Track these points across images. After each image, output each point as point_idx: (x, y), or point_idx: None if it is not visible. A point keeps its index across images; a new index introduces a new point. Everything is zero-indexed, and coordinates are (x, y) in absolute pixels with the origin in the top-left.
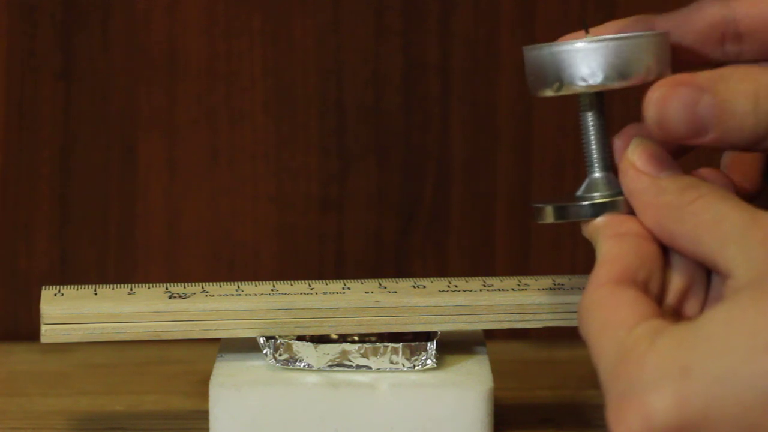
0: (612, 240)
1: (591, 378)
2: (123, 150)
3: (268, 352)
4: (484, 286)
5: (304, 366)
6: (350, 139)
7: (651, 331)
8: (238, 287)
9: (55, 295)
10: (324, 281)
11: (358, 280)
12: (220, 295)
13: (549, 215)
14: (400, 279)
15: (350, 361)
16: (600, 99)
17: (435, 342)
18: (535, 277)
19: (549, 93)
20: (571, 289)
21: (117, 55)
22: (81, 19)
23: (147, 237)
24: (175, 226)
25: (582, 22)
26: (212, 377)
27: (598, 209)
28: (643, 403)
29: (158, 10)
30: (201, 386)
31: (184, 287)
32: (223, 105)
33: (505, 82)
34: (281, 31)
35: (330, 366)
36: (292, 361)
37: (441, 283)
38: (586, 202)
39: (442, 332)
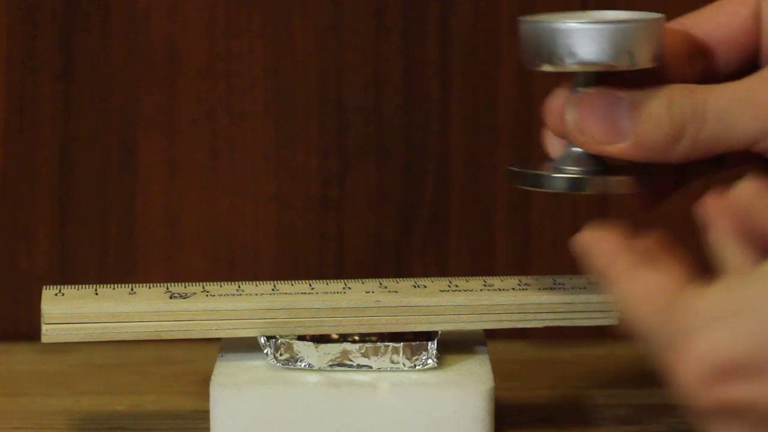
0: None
1: (591, 378)
2: (123, 150)
3: (269, 352)
4: (485, 285)
5: (304, 366)
6: (350, 139)
7: (696, 283)
8: (239, 287)
9: (56, 294)
10: (325, 281)
11: (359, 280)
12: (221, 295)
13: (523, 181)
14: (401, 279)
15: (351, 360)
16: (595, 78)
17: (436, 342)
18: (536, 276)
19: (546, 68)
20: (572, 288)
21: (117, 55)
22: (81, 19)
23: (147, 237)
24: (175, 226)
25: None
26: (213, 377)
27: (574, 184)
28: (699, 343)
29: (158, 10)
30: (202, 386)
31: (185, 287)
32: (223, 105)
33: (505, 82)
34: (281, 31)
35: (331, 366)
36: (292, 360)
37: (441, 282)
38: (561, 175)
39: (442, 332)
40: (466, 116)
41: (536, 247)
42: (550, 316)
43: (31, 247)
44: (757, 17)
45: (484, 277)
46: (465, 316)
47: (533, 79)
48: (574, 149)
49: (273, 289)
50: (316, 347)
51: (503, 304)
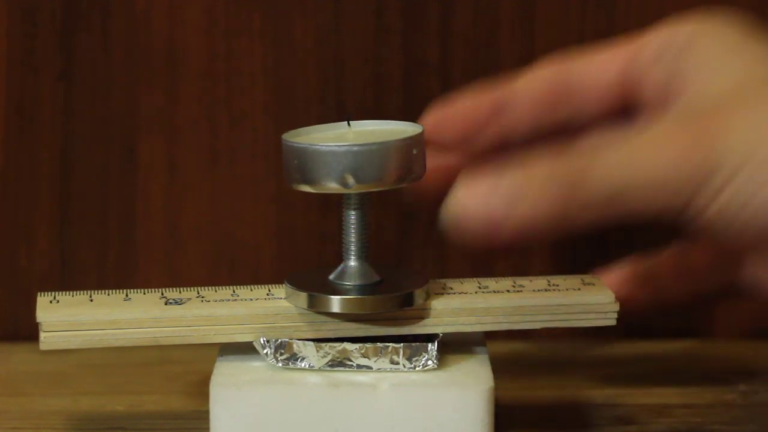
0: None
1: (591, 378)
2: (123, 150)
3: (269, 352)
4: (479, 287)
5: (304, 366)
6: None
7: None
8: (234, 292)
9: (51, 302)
10: None
11: None
12: (216, 300)
13: (302, 301)
14: None
15: (351, 360)
16: (364, 197)
17: (436, 343)
18: (530, 278)
19: (306, 189)
20: (567, 290)
21: (117, 56)
22: (81, 19)
23: (147, 237)
24: (175, 226)
25: (346, 117)
26: (213, 377)
27: (349, 304)
28: None
29: (158, 10)
30: (201, 386)
31: (180, 292)
32: (223, 105)
33: None
34: (281, 31)
35: (331, 366)
36: (293, 359)
37: (437, 285)
38: (337, 297)
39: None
40: None
41: (536, 247)
42: (549, 317)
43: (31, 247)
44: (623, 73)
45: (478, 279)
46: (463, 318)
47: None
48: (351, 264)
49: (268, 294)
50: (317, 347)
51: (500, 307)
